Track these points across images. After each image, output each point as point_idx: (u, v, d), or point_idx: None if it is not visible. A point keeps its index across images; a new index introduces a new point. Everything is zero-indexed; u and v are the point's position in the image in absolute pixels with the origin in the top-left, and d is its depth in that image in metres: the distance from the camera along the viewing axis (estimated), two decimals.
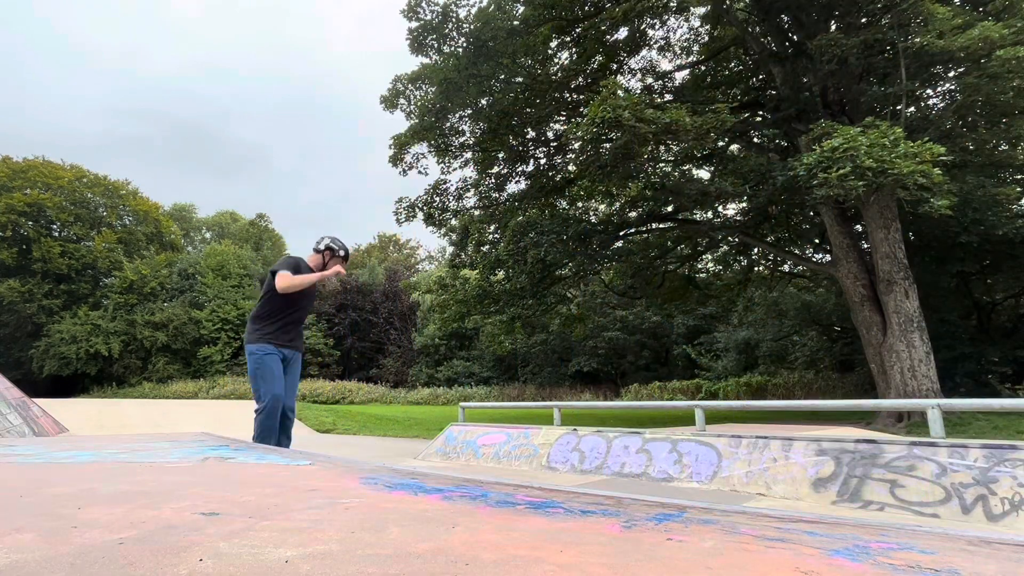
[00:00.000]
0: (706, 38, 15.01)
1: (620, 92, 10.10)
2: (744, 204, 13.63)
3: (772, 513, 1.25)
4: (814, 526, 1.11)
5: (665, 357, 27.04)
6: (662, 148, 11.11)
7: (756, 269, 18.54)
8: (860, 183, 7.88)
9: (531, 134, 15.00)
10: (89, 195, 34.68)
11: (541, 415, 14.14)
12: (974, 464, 3.50)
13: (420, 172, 15.41)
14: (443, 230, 16.32)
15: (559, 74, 13.43)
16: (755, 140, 14.81)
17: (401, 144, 14.62)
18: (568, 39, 13.25)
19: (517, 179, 15.72)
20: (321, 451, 3.79)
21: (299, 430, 13.09)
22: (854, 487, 3.89)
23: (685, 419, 11.58)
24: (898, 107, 10.02)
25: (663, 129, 9.13)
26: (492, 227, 15.67)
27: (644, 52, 14.50)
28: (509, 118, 13.86)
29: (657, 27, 13.92)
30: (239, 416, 14.53)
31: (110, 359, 30.39)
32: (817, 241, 16.53)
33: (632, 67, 14.70)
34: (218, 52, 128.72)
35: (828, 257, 13.92)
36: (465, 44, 12.47)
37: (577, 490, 1.52)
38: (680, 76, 15.25)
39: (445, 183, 15.50)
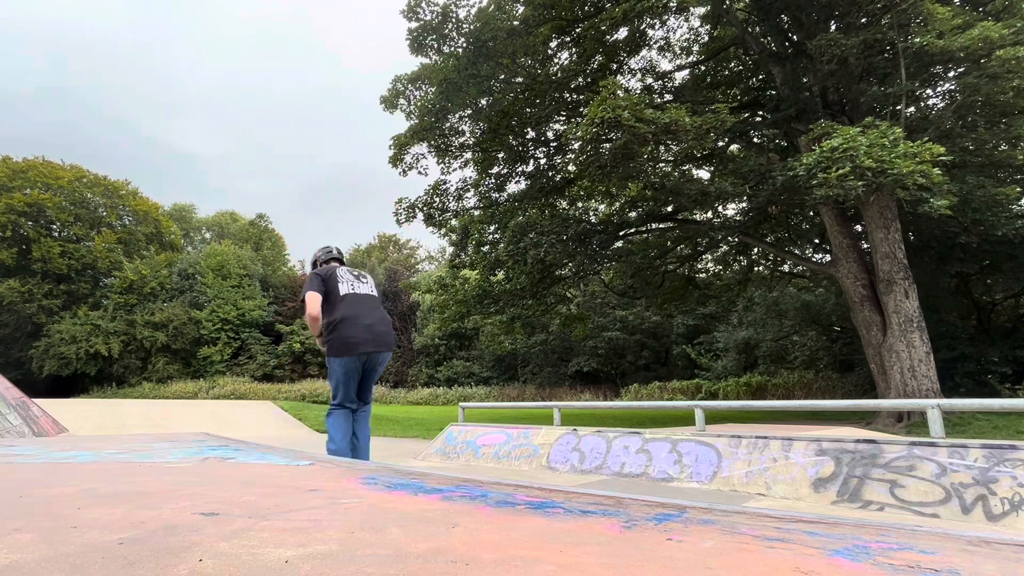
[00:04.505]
0: (706, 38, 15.01)
1: (620, 92, 10.11)
2: (744, 204, 13.62)
3: (772, 513, 1.25)
4: (814, 526, 1.11)
5: (665, 357, 27.02)
6: (662, 148, 11.10)
7: (756, 269, 18.55)
8: (860, 183, 7.88)
9: (531, 134, 15.00)
10: (89, 195, 34.65)
11: (541, 415, 14.13)
12: (974, 464, 3.50)
13: (420, 172, 15.42)
14: (443, 230, 16.32)
15: (559, 74, 13.42)
16: (755, 140, 14.80)
17: (401, 144, 14.62)
18: (568, 39, 13.24)
19: (517, 179, 15.72)
20: (321, 451, 3.79)
21: (299, 430, 13.10)
22: (854, 487, 3.89)
23: (685, 419, 11.57)
24: (898, 107, 10.02)
25: (663, 129, 9.13)
26: (492, 227, 15.67)
27: (644, 52, 14.50)
28: (509, 118, 13.86)
29: (657, 27, 13.92)
30: (239, 416, 14.54)
31: (110, 359, 30.36)
32: (817, 241, 16.53)
33: (632, 67, 14.70)
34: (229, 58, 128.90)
35: (828, 257, 13.92)
36: (465, 44, 12.46)
37: (577, 490, 1.52)
38: (680, 76, 15.25)
39: (445, 183, 15.50)
